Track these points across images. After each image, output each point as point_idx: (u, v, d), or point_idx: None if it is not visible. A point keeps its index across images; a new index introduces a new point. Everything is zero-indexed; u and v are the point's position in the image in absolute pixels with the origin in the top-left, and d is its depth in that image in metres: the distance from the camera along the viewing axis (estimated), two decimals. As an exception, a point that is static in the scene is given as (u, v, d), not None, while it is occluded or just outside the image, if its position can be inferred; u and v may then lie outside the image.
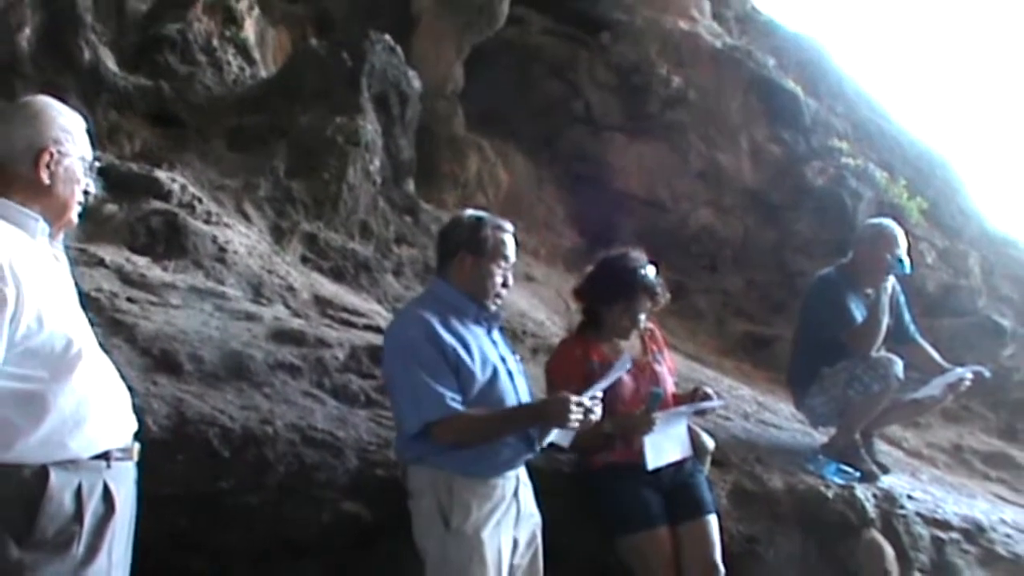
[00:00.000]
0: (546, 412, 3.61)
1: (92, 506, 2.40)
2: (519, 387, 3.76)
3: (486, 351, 3.68)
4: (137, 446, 2.62)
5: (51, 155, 2.51)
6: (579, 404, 3.49)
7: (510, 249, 3.78)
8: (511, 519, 3.61)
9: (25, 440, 2.32)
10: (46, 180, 2.51)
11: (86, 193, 2.64)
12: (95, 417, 2.45)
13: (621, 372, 3.92)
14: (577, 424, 3.53)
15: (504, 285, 3.77)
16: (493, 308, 3.78)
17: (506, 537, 3.57)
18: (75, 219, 2.64)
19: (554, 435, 3.72)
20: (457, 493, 3.50)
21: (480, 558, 3.44)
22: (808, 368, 5.55)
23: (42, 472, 2.33)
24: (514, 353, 3.92)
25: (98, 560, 2.40)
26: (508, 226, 3.83)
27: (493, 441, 3.55)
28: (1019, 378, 8.72)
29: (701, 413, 4.41)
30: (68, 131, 2.58)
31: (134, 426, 2.64)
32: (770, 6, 14.62)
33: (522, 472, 3.76)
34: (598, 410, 3.62)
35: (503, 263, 3.74)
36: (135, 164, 5.70)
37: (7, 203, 2.46)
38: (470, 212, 3.97)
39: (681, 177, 9.73)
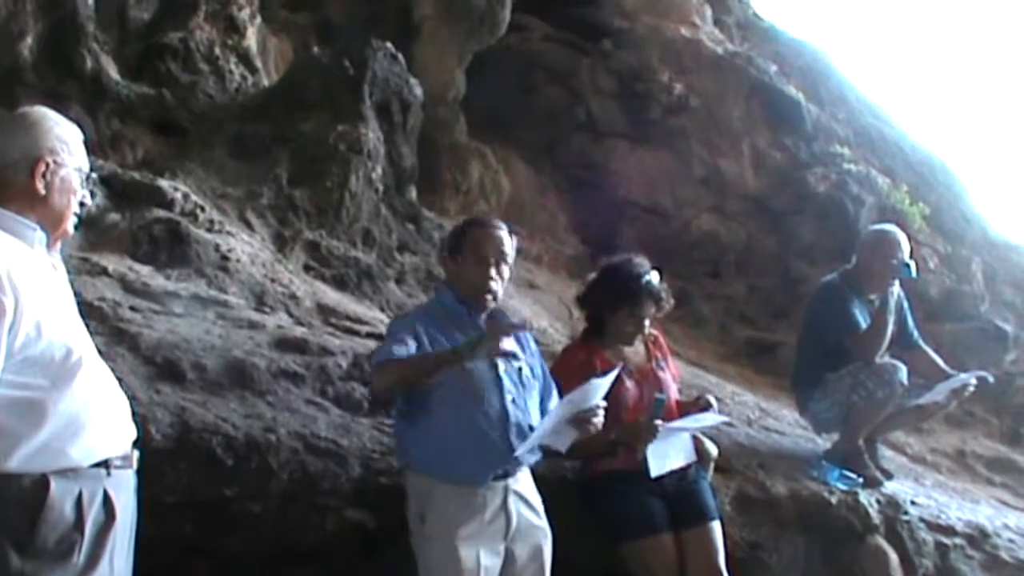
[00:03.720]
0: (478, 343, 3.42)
1: (93, 514, 2.40)
2: (506, 391, 3.65)
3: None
4: (137, 454, 2.62)
5: (47, 165, 2.51)
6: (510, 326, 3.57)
7: (492, 245, 3.70)
8: (498, 530, 3.55)
9: (25, 448, 2.31)
10: (42, 190, 2.50)
11: (82, 204, 2.63)
12: (95, 425, 2.45)
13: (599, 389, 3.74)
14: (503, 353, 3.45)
15: (492, 280, 3.69)
16: (489, 307, 3.72)
17: (489, 548, 3.50)
18: (71, 230, 2.63)
19: (551, 440, 3.64)
20: (435, 499, 3.50)
21: (455, 564, 3.41)
22: (812, 374, 5.54)
23: (42, 481, 2.33)
24: (514, 359, 3.85)
25: (99, 569, 2.39)
26: (494, 223, 3.81)
27: (421, 380, 3.46)
28: (1022, 383, 8.73)
29: (703, 430, 4.39)
30: (65, 142, 2.57)
31: (134, 434, 2.63)
32: (771, 12, 14.66)
33: (520, 485, 3.67)
34: (599, 421, 3.61)
35: (486, 259, 3.68)
36: (137, 172, 5.70)
37: (4, 212, 2.46)
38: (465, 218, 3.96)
39: (683, 184, 9.74)
